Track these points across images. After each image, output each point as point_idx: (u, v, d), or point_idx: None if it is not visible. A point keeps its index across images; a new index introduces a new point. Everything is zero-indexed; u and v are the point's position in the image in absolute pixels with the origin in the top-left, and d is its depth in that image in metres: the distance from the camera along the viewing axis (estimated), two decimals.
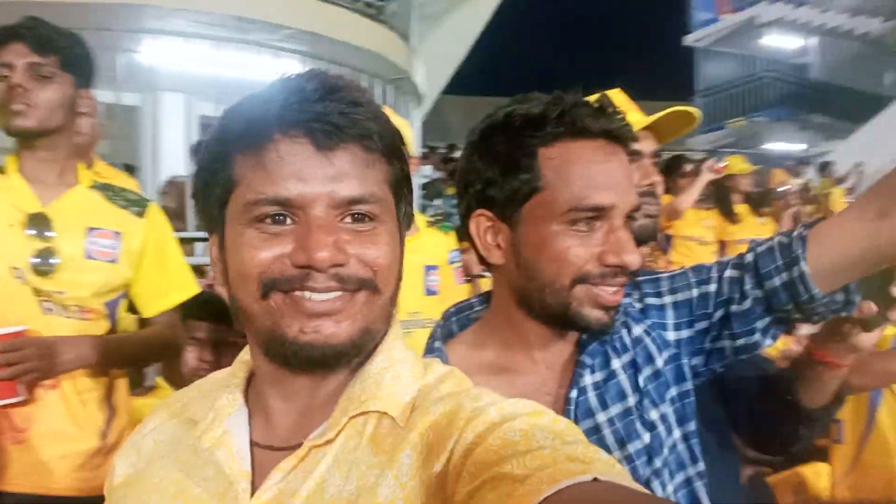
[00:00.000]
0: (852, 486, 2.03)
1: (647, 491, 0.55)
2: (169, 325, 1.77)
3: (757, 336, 0.96)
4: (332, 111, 0.61)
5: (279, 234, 0.62)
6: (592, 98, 0.96)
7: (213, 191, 0.66)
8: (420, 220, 2.45)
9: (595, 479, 0.49)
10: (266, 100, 0.63)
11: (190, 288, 1.79)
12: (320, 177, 0.61)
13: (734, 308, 0.96)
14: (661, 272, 1.04)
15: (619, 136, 0.90)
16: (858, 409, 1.97)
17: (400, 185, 0.68)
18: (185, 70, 7.01)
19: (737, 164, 4.77)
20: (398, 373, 0.67)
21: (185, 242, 4.15)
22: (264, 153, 0.62)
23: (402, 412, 0.63)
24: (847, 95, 16.54)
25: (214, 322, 2.32)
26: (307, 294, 0.61)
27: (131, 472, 0.74)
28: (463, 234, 0.97)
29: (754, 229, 4.66)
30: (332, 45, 7.51)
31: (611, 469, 0.52)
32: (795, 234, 0.94)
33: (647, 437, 0.93)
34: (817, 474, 2.31)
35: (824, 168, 8.83)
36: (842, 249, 0.91)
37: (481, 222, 0.92)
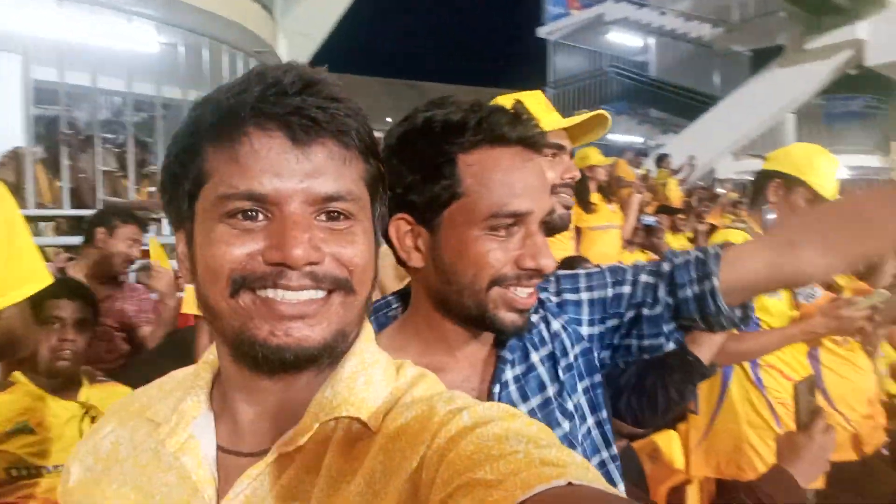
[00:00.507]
0: (706, 449, 2.29)
1: (621, 493, 0.57)
2: (19, 319, 1.51)
3: (661, 339, 1.04)
4: (310, 105, 0.59)
5: (251, 230, 0.60)
6: (503, 102, 0.98)
7: (183, 184, 0.63)
8: None
9: (569, 484, 0.48)
10: (240, 91, 0.60)
11: (43, 277, 1.55)
12: (296, 172, 0.59)
13: (646, 311, 1.03)
14: (579, 270, 1.11)
15: (535, 143, 0.92)
16: (713, 383, 2.22)
17: (375, 184, 0.66)
18: (22, 30, 6.32)
19: (594, 156, 5.04)
20: (370, 376, 0.65)
21: (29, 221, 3.79)
22: (238, 146, 0.59)
23: (374, 417, 0.62)
24: (681, 93, 18.02)
25: (74, 300, 2.19)
26: (280, 293, 0.59)
27: (88, 476, 0.71)
28: (382, 235, 0.94)
29: (608, 217, 4.98)
30: (190, 12, 7.07)
31: (585, 473, 0.51)
32: (712, 252, 1.02)
33: (566, 425, 0.99)
34: (669, 442, 2.59)
35: (661, 160, 9.53)
36: (751, 271, 1.00)
37: (401, 226, 0.92)
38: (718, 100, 15.29)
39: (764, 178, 2.23)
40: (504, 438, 0.54)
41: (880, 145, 16.55)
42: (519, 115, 0.92)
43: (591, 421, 1.03)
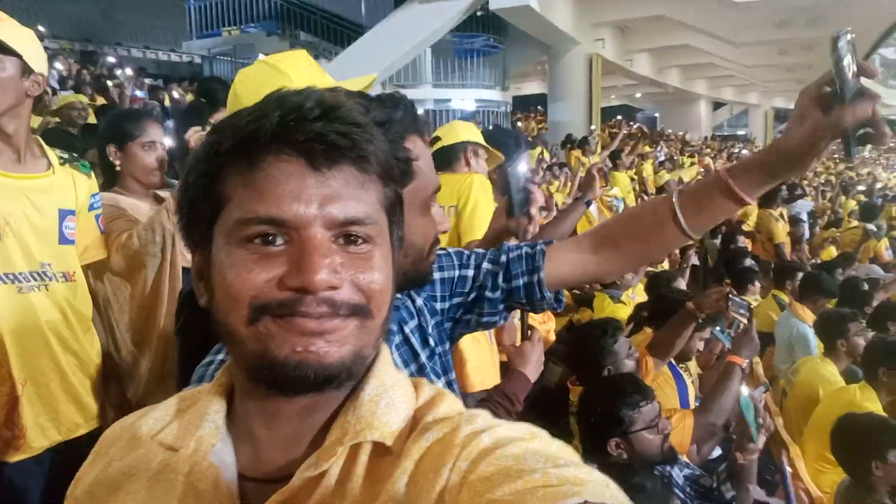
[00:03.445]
0: None
1: None
2: None
3: (497, 317, 1.25)
4: (331, 131, 0.59)
5: (270, 254, 0.59)
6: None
7: (201, 207, 0.62)
8: (53, 156, 1.96)
9: (586, 502, 0.49)
10: (259, 116, 0.59)
11: None
12: (316, 197, 0.59)
13: (487, 293, 1.22)
14: None
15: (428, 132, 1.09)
16: None
17: (394, 208, 0.67)
18: None
19: None
20: (391, 399, 0.65)
21: None
22: (257, 172, 0.59)
23: (397, 440, 0.62)
24: (329, 18, 18.21)
25: None
26: (298, 320, 0.58)
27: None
28: None
29: None
30: None
31: (603, 490, 0.52)
32: (538, 248, 1.23)
33: (439, 384, 1.13)
34: None
35: None
36: (564, 268, 1.22)
37: None
38: (365, 29, 15.85)
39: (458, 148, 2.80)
40: (523, 458, 0.55)
41: (500, 81, 19.03)
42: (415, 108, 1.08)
43: (441, 382, 1.18)
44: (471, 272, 1.23)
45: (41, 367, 1.87)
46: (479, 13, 14.57)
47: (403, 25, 14.29)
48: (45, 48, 2.01)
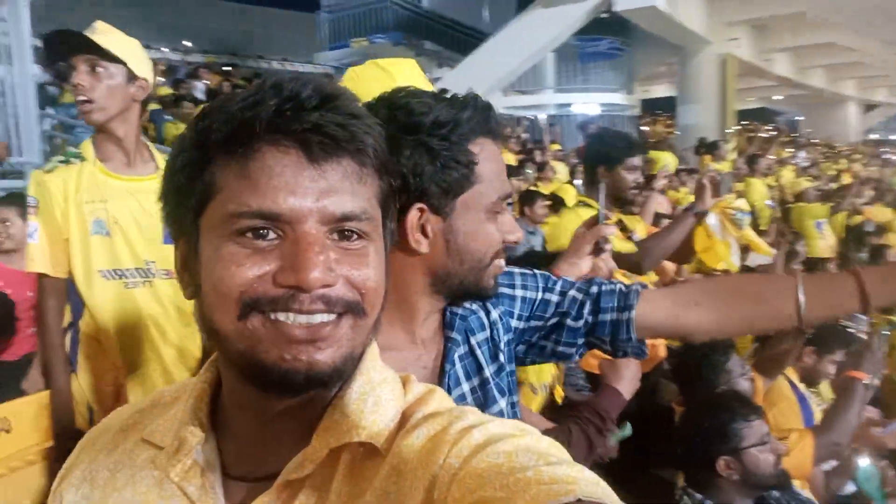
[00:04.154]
0: None
1: None
2: None
3: (573, 349, 1.17)
4: (329, 122, 0.56)
5: (262, 249, 0.56)
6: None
7: (187, 197, 0.59)
8: (161, 159, 2.12)
9: (579, 501, 0.49)
10: (255, 103, 0.57)
11: None
12: (312, 190, 0.57)
13: (569, 322, 1.15)
14: (513, 268, 1.20)
15: (502, 136, 1.05)
16: None
17: (388, 202, 0.65)
18: None
19: None
20: (379, 397, 0.63)
21: None
22: (251, 162, 0.56)
23: (385, 439, 0.61)
24: (453, 27, 18.44)
25: None
26: (291, 317, 0.56)
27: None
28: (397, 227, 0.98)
29: None
30: None
31: (595, 489, 0.51)
32: (634, 288, 1.16)
33: (502, 402, 1.10)
34: None
35: None
36: (658, 314, 1.15)
37: (417, 215, 0.96)
38: (487, 36, 15.90)
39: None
40: (514, 455, 0.54)
41: (625, 85, 18.48)
42: (493, 109, 1.02)
43: (505, 403, 1.13)
44: (555, 297, 1.17)
45: (144, 358, 1.98)
46: (603, 15, 14.21)
47: (524, 31, 14.19)
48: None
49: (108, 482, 0.66)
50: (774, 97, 28.04)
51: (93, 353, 1.95)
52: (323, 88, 0.58)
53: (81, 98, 1.86)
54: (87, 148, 1.96)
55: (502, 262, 1.04)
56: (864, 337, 2.47)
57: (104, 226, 1.91)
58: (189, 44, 14.76)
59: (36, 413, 1.91)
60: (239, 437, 0.64)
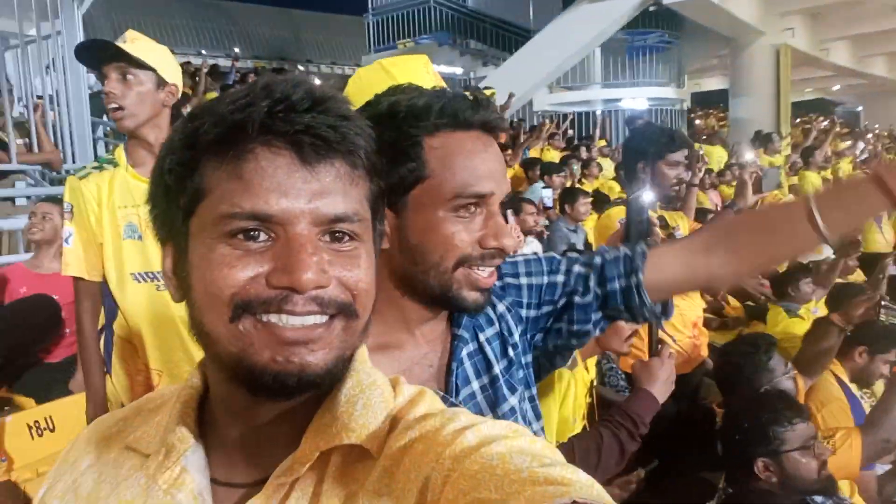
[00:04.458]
0: None
1: None
2: None
3: (590, 326, 1.11)
4: (321, 123, 0.57)
5: (254, 251, 0.56)
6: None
7: (177, 198, 0.59)
8: None
9: (574, 502, 0.49)
10: (246, 105, 0.57)
11: None
12: (304, 192, 0.57)
13: (577, 299, 1.10)
14: (516, 256, 1.15)
15: (495, 127, 0.96)
16: None
17: (377, 203, 0.65)
18: None
19: None
20: (369, 398, 0.63)
21: None
22: (243, 163, 0.56)
23: (376, 441, 0.60)
24: (499, 25, 18.36)
25: None
26: (283, 318, 0.56)
27: None
28: None
29: None
30: None
31: (589, 490, 0.51)
32: (639, 250, 1.11)
33: (513, 399, 1.06)
34: None
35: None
36: (669, 271, 1.09)
37: None
38: (533, 33, 15.78)
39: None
40: (508, 456, 0.54)
41: (675, 78, 18.10)
42: (479, 101, 0.95)
43: (526, 395, 1.10)
44: (560, 277, 1.13)
45: (175, 359, 2.02)
46: (651, 8, 13.94)
47: (571, 27, 14.05)
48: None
49: (91, 492, 0.65)
50: (833, 88, 27.04)
51: (126, 355, 2.01)
52: (314, 91, 0.58)
53: (113, 105, 1.91)
54: (120, 154, 2.02)
55: (486, 272, 0.95)
56: None
57: (136, 229, 1.97)
58: (238, 50, 15.10)
59: (79, 412, 1.97)
60: (228, 443, 0.63)
